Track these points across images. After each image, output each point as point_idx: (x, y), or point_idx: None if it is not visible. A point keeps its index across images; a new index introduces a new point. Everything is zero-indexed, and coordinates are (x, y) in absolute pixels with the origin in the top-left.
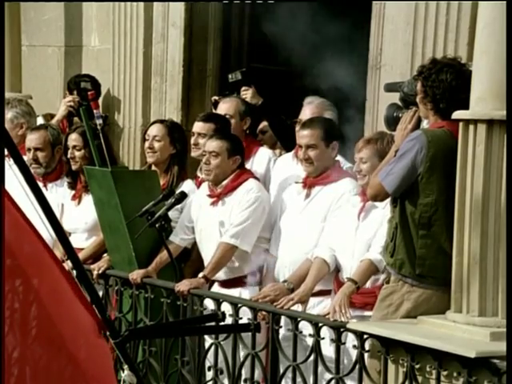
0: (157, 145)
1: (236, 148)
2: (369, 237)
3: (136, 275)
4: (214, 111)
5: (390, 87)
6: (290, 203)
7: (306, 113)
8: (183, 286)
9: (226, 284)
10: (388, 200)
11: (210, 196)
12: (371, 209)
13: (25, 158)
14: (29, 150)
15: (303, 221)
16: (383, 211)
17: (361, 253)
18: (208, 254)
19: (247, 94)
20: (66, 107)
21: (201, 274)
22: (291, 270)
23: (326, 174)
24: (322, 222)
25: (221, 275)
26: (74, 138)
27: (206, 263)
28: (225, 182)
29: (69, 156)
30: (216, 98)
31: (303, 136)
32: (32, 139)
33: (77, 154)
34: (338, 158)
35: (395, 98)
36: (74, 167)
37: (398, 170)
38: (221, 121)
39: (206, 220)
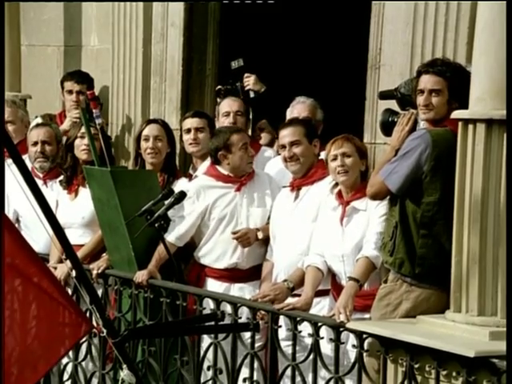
0: (160, 144)
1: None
2: (356, 241)
3: (141, 278)
4: (218, 100)
5: (385, 94)
6: (280, 208)
7: (297, 112)
8: None
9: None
10: (369, 202)
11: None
12: (353, 213)
13: (26, 155)
14: (36, 143)
15: (294, 223)
16: (367, 213)
17: (351, 258)
18: None
19: (250, 80)
20: (71, 123)
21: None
22: (287, 273)
23: (311, 172)
24: (313, 221)
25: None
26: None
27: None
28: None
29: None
30: (220, 87)
31: (286, 135)
32: (40, 133)
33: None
34: (322, 157)
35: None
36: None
37: (402, 168)
38: (209, 116)
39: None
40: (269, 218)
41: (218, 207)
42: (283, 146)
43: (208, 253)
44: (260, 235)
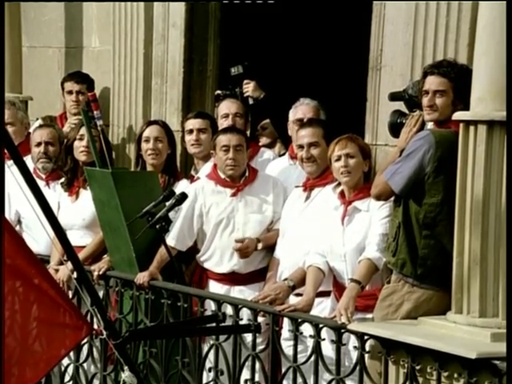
0: (160, 145)
1: (248, 141)
2: (358, 241)
3: (142, 279)
4: (215, 105)
5: (395, 96)
6: (291, 207)
7: (302, 113)
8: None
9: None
10: (371, 203)
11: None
12: (354, 213)
13: (28, 156)
14: (39, 144)
15: (303, 223)
16: (368, 213)
17: (353, 257)
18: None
19: (249, 87)
20: (70, 129)
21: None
22: (291, 272)
23: (325, 174)
24: None
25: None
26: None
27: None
28: (247, 174)
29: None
30: (219, 92)
31: (305, 135)
32: (43, 134)
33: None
34: None
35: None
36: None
37: (405, 169)
38: (211, 117)
39: (228, 211)
40: (270, 223)
41: (214, 212)
42: (301, 146)
43: (208, 258)
44: (259, 246)
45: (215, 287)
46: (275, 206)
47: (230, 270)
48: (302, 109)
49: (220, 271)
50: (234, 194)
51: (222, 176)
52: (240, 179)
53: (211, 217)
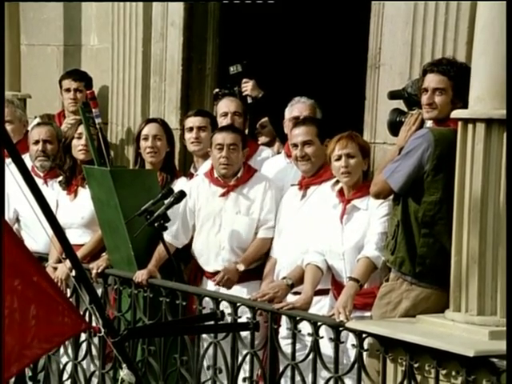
0: (159, 143)
1: (245, 140)
2: (357, 240)
3: (141, 277)
4: (214, 103)
5: (394, 94)
6: (288, 205)
7: (298, 111)
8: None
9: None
10: (370, 202)
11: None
12: (353, 211)
13: (26, 154)
14: (37, 142)
15: (299, 221)
16: (367, 212)
17: (352, 256)
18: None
19: (248, 86)
20: (67, 129)
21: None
22: (288, 270)
23: (321, 172)
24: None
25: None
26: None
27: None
28: (239, 174)
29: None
30: (218, 90)
31: (299, 134)
32: (41, 131)
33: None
34: None
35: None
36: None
37: (404, 167)
38: (211, 115)
39: (216, 210)
40: (256, 227)
41: (204, 210)
42: (295, 145)
43: (199, 256)
44: (241, 268)
45: (209, 284)
46: (262, 210)
47: (215, 269)
48: (298, 107)
49: (209, 270)
50: (223, 194)
51: (216, 175)
52: (233, 179)
53: (200, 215)
